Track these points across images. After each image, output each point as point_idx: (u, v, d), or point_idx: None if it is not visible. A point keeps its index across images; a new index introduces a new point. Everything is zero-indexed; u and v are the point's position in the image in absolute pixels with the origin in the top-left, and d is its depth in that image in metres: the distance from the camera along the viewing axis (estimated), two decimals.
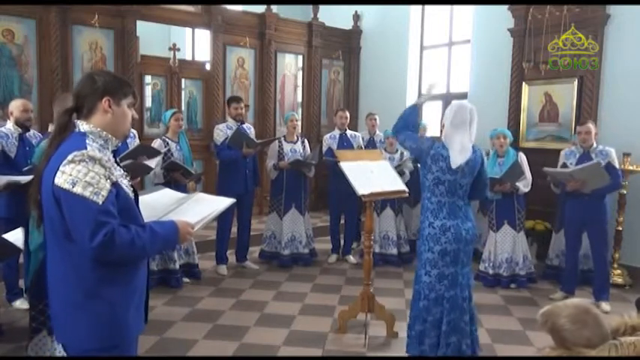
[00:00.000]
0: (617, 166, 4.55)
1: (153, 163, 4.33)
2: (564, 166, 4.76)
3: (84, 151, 1.68)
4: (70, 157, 1.66)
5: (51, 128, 4.01)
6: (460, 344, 3.13)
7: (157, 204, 2.03)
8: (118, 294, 1.77)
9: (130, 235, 1.69)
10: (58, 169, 1.67)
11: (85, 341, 1.76)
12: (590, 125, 4.60)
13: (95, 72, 1.90)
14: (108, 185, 1.69)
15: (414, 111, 3.33)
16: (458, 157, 3.06)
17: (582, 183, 4.46)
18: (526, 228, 5.33)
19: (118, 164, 1.87)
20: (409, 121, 3.29)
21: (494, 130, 5.40)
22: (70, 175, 1.65)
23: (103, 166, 1.69)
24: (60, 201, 1.67)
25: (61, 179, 1.65)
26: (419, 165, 3.39)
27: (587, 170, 4.43)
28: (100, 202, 1.65)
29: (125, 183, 1.81)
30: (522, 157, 5.03)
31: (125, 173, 1.86)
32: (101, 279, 1.73)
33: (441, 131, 3.26)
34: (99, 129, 1.79)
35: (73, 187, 1.64)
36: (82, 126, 1.78)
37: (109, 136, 1.82)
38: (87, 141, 1.74)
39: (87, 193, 1.64)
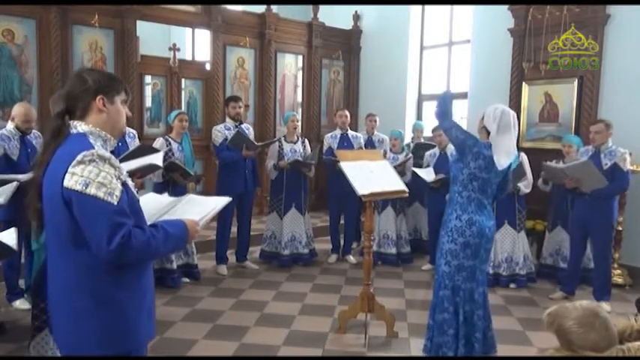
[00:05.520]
0: (625, 167, 4.48)
1: (159, 160, 4.28)
2: None
3: (93, 151, 1.62)
4: (79, 158, 1.60)
5: None
6: (470, 336, 3.17)
7: (149, 208, 1.97)
8: (130, 297, 1.72)
9: (146, 236, 1.64)
10: (65, 171, 1.60)
11: (94, 349, 1.69)
12: (601, 125, 4.55)
13: (83, 70, 1.81)
14: (120, 185, 1.64)
15: (447, 99, 3.28)
16: (504, 159, 3.11)
17: (577, 181, 4.46)
18: (526, 228, 5.32)
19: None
20: (449, 109, 3.27)
21: None
22: (82, 176, 1.59)
23: (112, 166, 1.64)
24: (71, 204, 1.60)
25: (72, 181, 1.59)
26: (452, 155, 3.31)
27: (578, 168, 4.42)
28: (115, 203, 1.59)
29: (131, 183, 1.76)
30: (524, 158, 5.02)
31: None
32: (113, 283, 1.68)
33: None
34: (97, 129, 1.73)
35: (85, 188, 1.58)
36: (80, 126, 1.71)
37: (108, 135, 1.76)
38: (91, 141, 1.68)
39: (101, 194, 1.58)
